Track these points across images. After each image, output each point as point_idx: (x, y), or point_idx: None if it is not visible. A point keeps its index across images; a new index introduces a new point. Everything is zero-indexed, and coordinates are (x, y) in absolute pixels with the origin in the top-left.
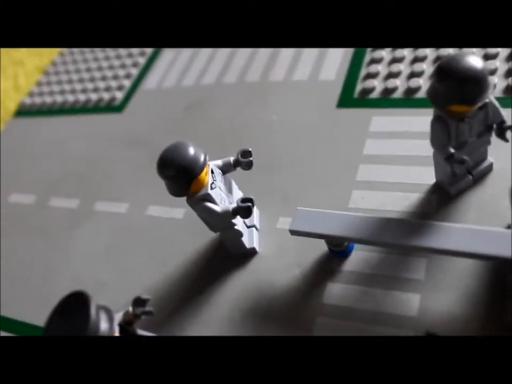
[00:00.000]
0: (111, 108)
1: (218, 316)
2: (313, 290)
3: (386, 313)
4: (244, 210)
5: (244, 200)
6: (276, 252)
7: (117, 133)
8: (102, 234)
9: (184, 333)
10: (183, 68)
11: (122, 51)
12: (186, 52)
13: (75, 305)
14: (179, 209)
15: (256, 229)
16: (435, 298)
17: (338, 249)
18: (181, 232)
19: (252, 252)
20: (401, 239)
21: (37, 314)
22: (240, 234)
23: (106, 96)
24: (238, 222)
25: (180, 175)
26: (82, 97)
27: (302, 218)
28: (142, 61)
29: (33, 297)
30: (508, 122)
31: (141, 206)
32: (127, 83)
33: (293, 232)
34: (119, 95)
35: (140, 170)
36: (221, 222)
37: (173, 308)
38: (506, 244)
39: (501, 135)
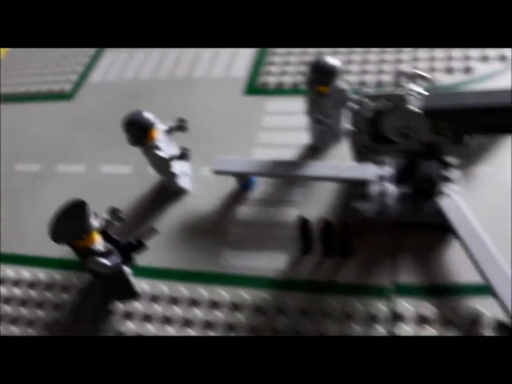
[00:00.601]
0: (62, 96)
1: (162, 231)
2: (228, 212)
3: (277, 221)
4: (184, 155)
5: (183, 149)
6: (201, 190)
7: (69, 116)
8: (65, 189)
9: None
10: (122, 66)
11: (67, 51)
12: (123, 53)
13: (74, 208)
14: (127, 167)
15: (187, 175)
16: (307, 210)
17: (245, 183)
18: (130, 183)
19: (184, 191)
20: (288, 172)
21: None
22: (176, 176)
23: (55, 87)
24: (175, 168)
25: (140, 130)
26: (33, 88)
27: (222, 163)
28: (85, 60)
29: (10, 233)
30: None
31: (96, 166)
32: (74, 77)
33: (216, 172)
34: (68, 87)
35: (93, 143)
36: (165, 166)
37: (128, 230)
38: (351, 171)
39: (345, 107)
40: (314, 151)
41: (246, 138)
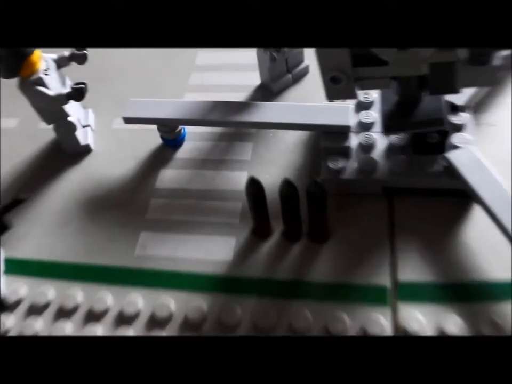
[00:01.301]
0: None
1: (52, 209)
2: (148, 178)
3: (217, 190)
4: (77, 91)
5: (77, 84)
6: (111, 148)
7: None
8: None
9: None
10: None
11: None
12: None
13: None
14: (11, 120)
15: (91, 129)
16: (259, 174)
17: (170, 137)
18: (13, 140)
19: (86, 150)
20: (232, 117)
21: None
22: (73, 126)
23: None
24: (72, 116)
25: (10, 54)
26: None
27: (135, 107)
28: None
29: None
30: None
31: None
32: None
33: (127, 120)
34: None
35: None
36: (54, 111)
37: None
38: (323, 115)
39: None
40: (265, 94)
41: (174, 80)
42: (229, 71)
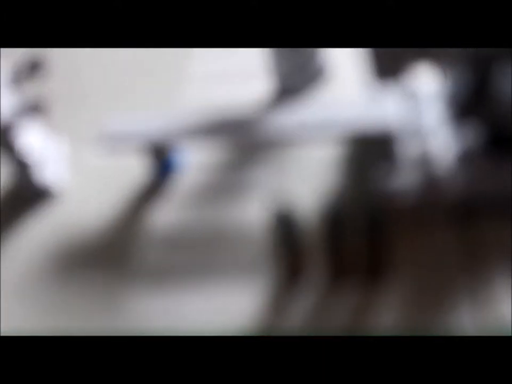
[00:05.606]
0: None
1: (8, 279)
2: (137, 220)
3: (230, 228)
4: (32, 108)
5: (33, 98)
6: (86, 187)
7: None
8: None
9: None
10: None
11: None
12: None
13: None
14: None
15: (58, 162)
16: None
17: (164, 166)
18: None
19: (52, 193)
20: (243, 131)
21: None
22: (26, 162)
23: None
24: (23, 143)
25: None
26: None
27: (118, 128)
28: None
29: None
30: None
31: None
32: None
33: (106, 148)
34: None
35: None
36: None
37: None
38: (363, 112)
39: None
40: (282, 98)
41: (163, 96)
42: (231, 81)
